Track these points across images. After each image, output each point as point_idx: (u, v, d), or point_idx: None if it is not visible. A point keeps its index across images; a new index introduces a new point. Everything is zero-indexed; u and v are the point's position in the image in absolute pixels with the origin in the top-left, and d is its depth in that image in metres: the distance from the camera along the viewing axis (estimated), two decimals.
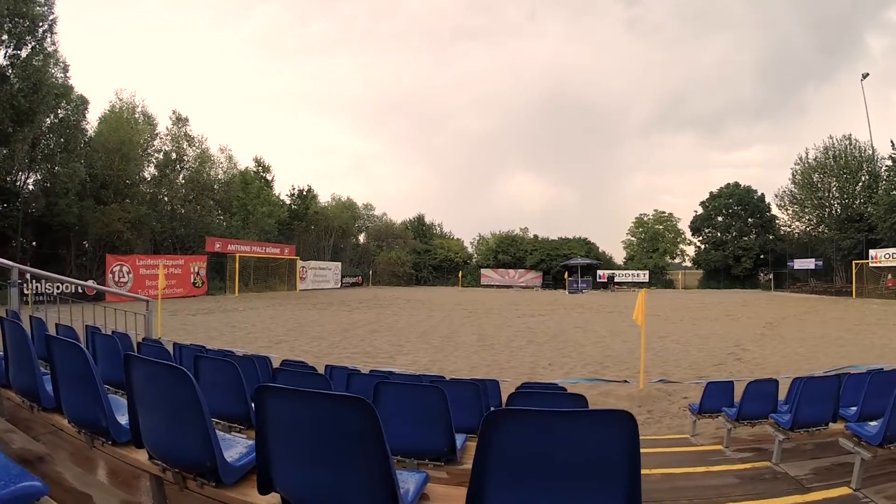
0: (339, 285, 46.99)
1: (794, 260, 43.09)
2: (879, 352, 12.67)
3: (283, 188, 53.29)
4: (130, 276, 28.41)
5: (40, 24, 24.87)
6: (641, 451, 1.50)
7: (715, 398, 5.88)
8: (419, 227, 61.55)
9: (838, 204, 42.05)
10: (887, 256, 32.85)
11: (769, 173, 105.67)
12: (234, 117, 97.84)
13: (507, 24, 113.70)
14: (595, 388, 9.47)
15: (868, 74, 42.54)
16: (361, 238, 60.08)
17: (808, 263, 41.29)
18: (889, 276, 33.73)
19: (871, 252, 34.22)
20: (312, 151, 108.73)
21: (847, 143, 41.54)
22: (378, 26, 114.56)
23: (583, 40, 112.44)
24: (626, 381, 9.61)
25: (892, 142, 35.53)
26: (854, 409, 4.60)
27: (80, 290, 19.21)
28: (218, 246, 35.41)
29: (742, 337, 15.43)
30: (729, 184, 52.01)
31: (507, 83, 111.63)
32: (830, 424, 4.47)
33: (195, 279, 33.28)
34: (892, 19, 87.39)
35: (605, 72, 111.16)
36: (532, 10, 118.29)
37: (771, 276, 45.52)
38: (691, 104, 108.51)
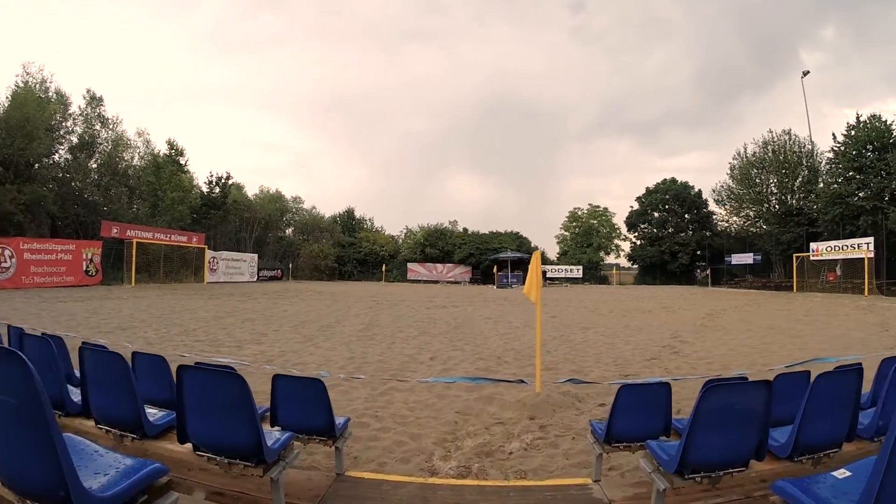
0: (255, 278, 42.70)
1: (732, 255, 42.15)
2: (844, 342, 10.63)
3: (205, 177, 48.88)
4: (13, 260, 24.89)
5: None
6: None
7: (638, 412, 2.97)
8: (348, 221, 57.67)
9: (776, 200, 41.34)
10: (829, 249, 31.82)
11: (706, 178, 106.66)
12: (174, 113, 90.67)
13: (454, 27, 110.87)
14: (477, 391, 6.48)
15: (808, 72, 44.81)
16: (289, 231, 55.86)
17: (747, 258, 40.34)
18: (830, 271, 32.69)
19: (812, 245, 33.23)
20: (254, 148, 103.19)
21: (787, 137, 40.88)
22: (325, 23, 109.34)
23: (528, 45, 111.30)
24: (522, 382, 6.71)
25: (833, 134, 34.90)
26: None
27: None
28: (115, 231, 31.27)
29: (680, 328, 12.93)
30: (665, 179, 50.67)
31: (452, 85, 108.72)
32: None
33: (88, 267, 29.25)
34: (825, 36, 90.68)
35: (550, 77, 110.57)
36: (480, 14, 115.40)
37: (708, 272, 44.37)
38: (632, 111, 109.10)
